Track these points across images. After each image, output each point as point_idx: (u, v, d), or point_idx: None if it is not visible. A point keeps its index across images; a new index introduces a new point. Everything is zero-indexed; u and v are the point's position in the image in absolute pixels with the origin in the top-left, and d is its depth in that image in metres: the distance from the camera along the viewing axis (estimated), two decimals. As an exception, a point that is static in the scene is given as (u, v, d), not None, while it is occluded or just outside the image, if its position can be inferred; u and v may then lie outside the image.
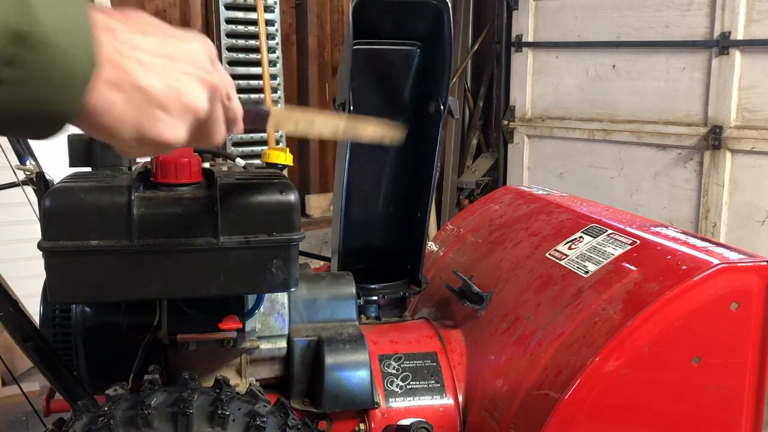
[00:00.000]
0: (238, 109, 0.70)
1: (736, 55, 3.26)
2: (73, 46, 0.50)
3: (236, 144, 4.15)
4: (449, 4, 1.35)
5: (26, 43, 0.47)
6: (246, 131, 0.75)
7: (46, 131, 0.54)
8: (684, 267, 1.12)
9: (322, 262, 1.78)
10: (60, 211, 1.00)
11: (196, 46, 0.62)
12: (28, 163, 1.44)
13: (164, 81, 0.58)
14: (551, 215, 1.51)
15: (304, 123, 0.81)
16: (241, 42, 4.04)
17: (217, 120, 0.66)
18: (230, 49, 4.02)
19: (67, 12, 0.50)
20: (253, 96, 4.11)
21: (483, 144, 4.70)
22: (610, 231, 1.33)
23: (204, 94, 0.62)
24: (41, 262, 1.02)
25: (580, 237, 1.36)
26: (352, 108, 1.36)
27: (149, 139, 0.57)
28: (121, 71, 0.55)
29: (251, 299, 1.21)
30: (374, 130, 0.91)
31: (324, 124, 0.83)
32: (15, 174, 1.46)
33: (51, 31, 0.48)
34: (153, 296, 1.15)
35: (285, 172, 1.36)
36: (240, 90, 4.08)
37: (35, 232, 1.02)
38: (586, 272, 1.25)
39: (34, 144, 1.53)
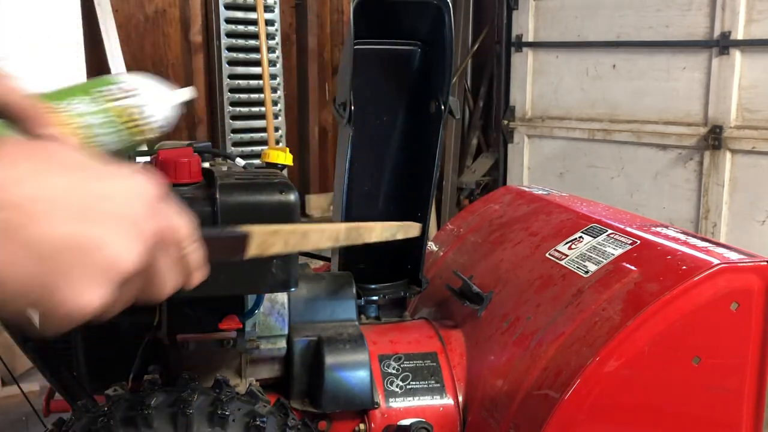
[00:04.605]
0: (197, 254, 0.56)
1: (737, 54, 3.26)
2: None
3: (236, 144, 4.15)
4: (450, 4, 1.35)
5: None
6: (222, 252, 0.62)
7: None
8: (684, 267, 1.12)
9: (322, 262, 1.78)
10: (60, 211, 1.00)
11: (131, 185, 0.47)
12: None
13: (75, 231, 0.42)
14: (551, 215, 1.51)
15: (295, 237, 0.69)
16: (240, 42, 4.04)
17: (160, 274, 0.52)
18: (230, 49, 4.02)
19: None
20: (253, 98, 4.11)
21: (483, 144, 4.69)
22: (610, 231, 1.33)
23: (135, 245, 0.46)
24: (41, 262, 1.02)
25: (580, 237, 1.36)
26: (353, 108, 1.36)
27: (51, 308, 0.42)
28: (14, 218, 0.40)
29: (251, 299, 1.21)
30: (381, 231, 0.84)
31: (320, 234, 0.73)
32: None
33: None
34: (153, 296, 1.14)
35: (285, 172, 1.36)
36: (240, 90, 4.08)
37: (35, 232, 1.02)
38: (586, 272, 1.24)
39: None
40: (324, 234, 0.73)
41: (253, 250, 0.64)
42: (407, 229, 0.89)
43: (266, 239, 0.64)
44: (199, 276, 0.56)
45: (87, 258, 0.43)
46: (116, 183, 0.46)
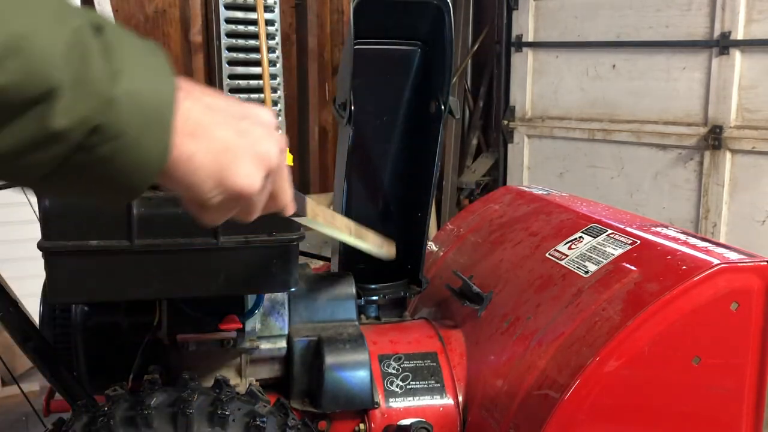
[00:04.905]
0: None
1: (737, 54, 3.26)
2: (148, 137, 0.52)
3: (236, 144, 4.14)
4: (450, 4, 1.35)
5: (101, 133, 0.50)
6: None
7: (120, 200, 0.57)
8: (684, 267, 1.12)
9: (322, 262, 1.78)
10: (59, 211, 1.00)
11: (262, 111, 0.65)
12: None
13: (237, 132, 0.60)
14: (551, 215, 1.51)
15: (328, 216, 0.87)
16: (241, 42, 4.04)
17: (286, 178, 0.68)
18: (230, 49, 4.02)
19: (151, 105, 0.52)
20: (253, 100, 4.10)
21: (483, 144, 4.69)
22: (610, 231, 1.33)
23: (275, 147, 0.63)
24: (41, 262, 1.02)
25: (580, 237, 1.36)
26: (353, 108, 1.36)
27: (228, 186, 0.58)
28: (197, 124, 0.57)
29: (251, 299, 1.21)
30: (374, 239, 1.00)
31: (341, 220, 0.92)
32: (15, 174, 1.46)
33: (128, 125, 0.51)
34: (153, 296, 1.15)
35: (285, 172, 1.36)
36: (240, 90, 4.08)
37: (35, 232, 1.02)
38: (586, 272, 1.24)
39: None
40: (343, 222, 0.91)
41: (309, 213, 0.79)
42: (389, 249, 1.03)
43: (314, 209, 0.80)
44: (291, 208, 0.72)
45: (249, 150, 0.60)
46: (253, 108, 0.64)
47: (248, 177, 0.60)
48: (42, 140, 0.48)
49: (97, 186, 0.54)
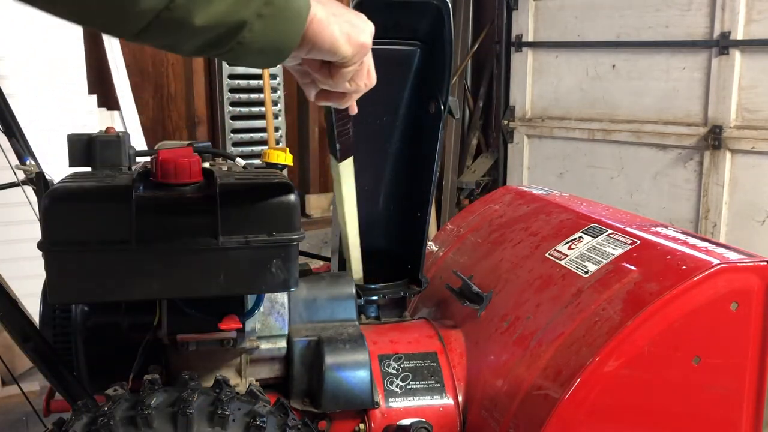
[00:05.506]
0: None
1: (736, 55, 3.27)
2: None
3: (236, 144, 4.14)
4: (450, 4, 1.35)
5: None
6: None
7: (280, 56, 0.75)
8: (684, 267, 1.12)
9: (322, 262, 1.78)
10: (60, 211, 1.00)
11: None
12: (28, 162, 1.44)
13: (341, 7, 0.82)
14: (551, 215, 1.51)
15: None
16: (241, 42, 4.03)
17: (371, 61, 0.90)
18: (230, 49, 4.01)
19: None
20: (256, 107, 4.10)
21: (483, 144, 4.69)
22: (610, 231, 1.33)
23: (363, 16, 0.85)
24: (41, 262, 1.02)
25: (580, 237, 1.36)
26: (352, 108, 1.36)
27: (355, 40, 0.81)
28: (330, 10, 0.78)
29: (251, 299, 1.21)
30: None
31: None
32: (15, 174, 1.46)
33: None
34: (153, 296, 1.15)
35: (285, 172, 1.36)
36: (240, 90, 4.08)
37: (35, 232, 1.02)
38: (586, 272, 1.25)
39: (34, 144, 1.53)
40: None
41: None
42: (360, 272, 1.35)
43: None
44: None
45: (355, 17, 0.83)
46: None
47: (365, 34, 0.83)
48: None
49: (267, 44, 0.71)
